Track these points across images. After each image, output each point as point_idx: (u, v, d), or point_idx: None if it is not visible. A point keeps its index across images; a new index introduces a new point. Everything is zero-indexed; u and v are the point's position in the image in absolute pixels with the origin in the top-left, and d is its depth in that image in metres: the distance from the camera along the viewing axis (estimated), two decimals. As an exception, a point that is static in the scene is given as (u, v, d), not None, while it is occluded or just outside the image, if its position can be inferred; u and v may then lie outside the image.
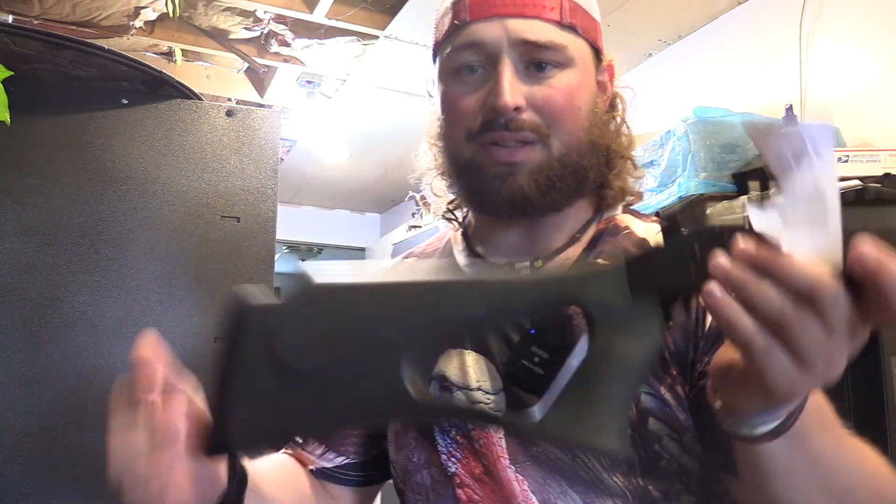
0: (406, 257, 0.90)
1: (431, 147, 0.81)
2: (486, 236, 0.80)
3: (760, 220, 0.42)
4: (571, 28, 0.73)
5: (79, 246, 1.56)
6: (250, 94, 3.39)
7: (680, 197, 1.78)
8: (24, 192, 1.53)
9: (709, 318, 0.66)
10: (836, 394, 1.41)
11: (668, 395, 0.66)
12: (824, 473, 0.54)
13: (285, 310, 0.52)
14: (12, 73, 1.38)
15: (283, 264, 6.92)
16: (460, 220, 0.86)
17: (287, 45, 2.95)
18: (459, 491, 0.69)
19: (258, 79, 3.33)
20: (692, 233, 0.46)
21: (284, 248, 6.28)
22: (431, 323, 0.50)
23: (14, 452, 1.44)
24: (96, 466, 1.59)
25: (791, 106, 1.68)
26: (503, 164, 0.70)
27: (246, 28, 2.85)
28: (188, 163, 1.68)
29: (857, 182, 1.42)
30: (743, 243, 0.42)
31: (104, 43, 1.80)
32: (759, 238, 0.42)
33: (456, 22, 0.73)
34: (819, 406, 0.54)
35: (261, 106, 3.31)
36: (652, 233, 0.76)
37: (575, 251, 0.75)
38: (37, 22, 2.57)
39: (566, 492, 0.65)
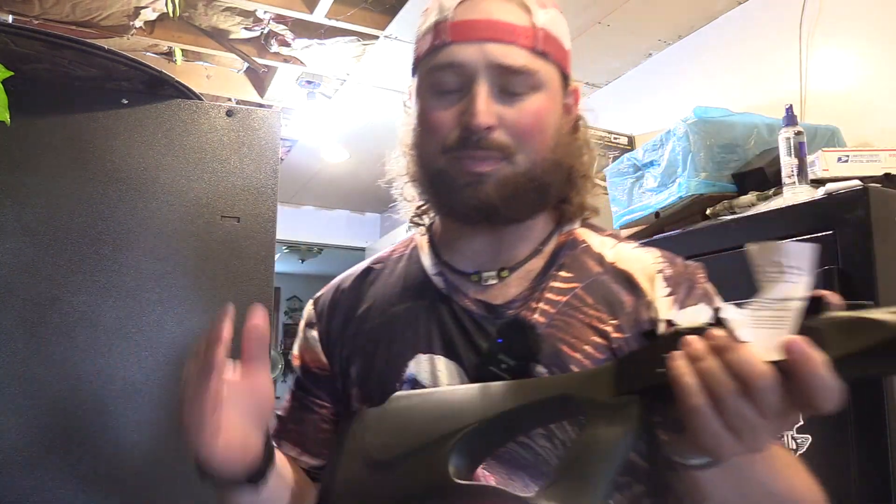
0: (374, 263, 0.94)
1: (404, 154, 0.87)
2: (452, 243, 0.86)
3: (731, 318, 0.51)
4: (543, 55, 0.78)
5: (79, 246, 1.56)
6: (250, 94, 3.39)
7: (680, 197, 1.78)
8: (24, 192, 1.53)
9: (657, 291, 0.78)
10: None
11: None
12: (752, 498, 0.62)
13: (374, 414, 0.70)
14: (12, 73, 1.38)
15: (283, 264, 6.93)
16: (427, 225, 0.91)
17: (287, 45, 2.95)
18: None
19: (258, 79, 3.33)
20: (666, 336, 0.56)
21: (284, 248, 6.28)
22: (470, 423, 0.63)
23: (14, 452, 1.44)
24: (97, 466, 1.59)
25: (791, 106, 1.67)
26: (472, 173, 0.76)
27: (246, 28, 2.85)
28: (188, 163, 1.68)
29: (857, 182, 1.42)
30: (708, 338, 0.52)
31: (104, 43, 1.80)
32: (724, 332, 0.51)
33: (437, 42, 0.78)
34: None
35: (261, 106, 3.31)
36: (607, 247, 0.84)
37: (538, 262, 0.82)
38: (37, 22, 2.57)
39: (529, 485, 0.72)
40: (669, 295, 0.78)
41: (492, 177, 0.76)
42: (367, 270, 0.92)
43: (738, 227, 1.59)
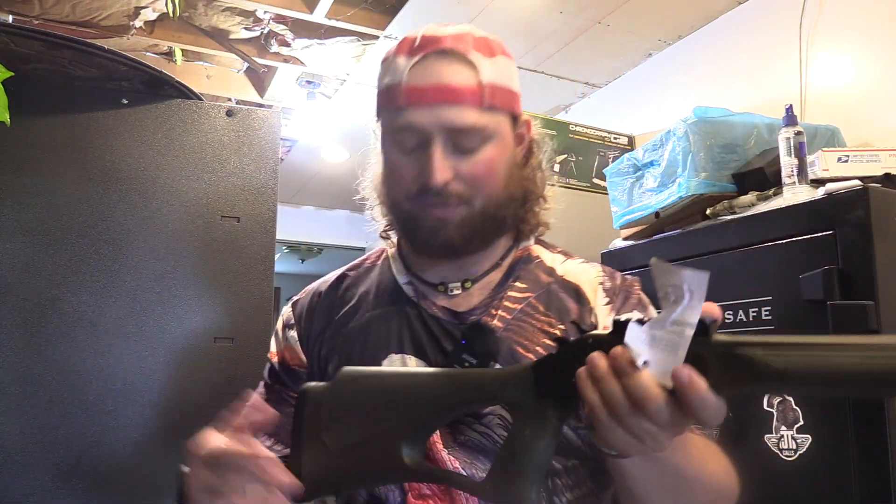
0: (348, 270, 1.02)
1: (375, 184, 0.96)
2: (416, 260, 0.95)
3: (633, 335, 0.58)
4: (491, 108, 0.86)
5: (79, 246, 1.56)
6: (250, 94, 3.39)
7: (680, 197, 1.78)
8: (24, 192, 1.53)
9: (597, 300, 0.89)
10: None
11: None
12: (671, 483, 0.71)
13: (324, 391, 0.77)
14: (12, 73, 1.38)
15: (283, 264, 6.93)
16: (395, 240, 1.00)
17: (287, 45, 2.95)
18: None
19: (258, 79, 3.33)
20: (575, 343, 0.64)
21: (284, 248, 6.28)
22: (417, 410, 0.72)
23: (14, 452, 1.44)
24: (97, 466, 1.59)
25: (791, 106, 1.67)
26: (437, 218, 0.86)
27: (246, 28, 2.85)
28: (188, 163, 1.68)
29: (857, 182, 1.42)
30: (609, 355, 0.59)
31: (104, 43, 1.80)
32: (625, 348, 0.59)
33: (395, 105, 0.86)
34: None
35: (261, 106, 3.31)
36: (558, 262, 0.95)
37: (497, 275, 0.93)
38: (37, 22, 2.57)
39: (487, 468, 0.80)
40: (608, 304, 0.89)
41: (453, 221, 0.86)
42: (342, 277, 1.01)
43: (738, 227, 1.59)
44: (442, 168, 0.83)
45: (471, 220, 0.86)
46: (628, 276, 0.95)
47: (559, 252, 0.98)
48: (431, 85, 0.84)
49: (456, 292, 0.91)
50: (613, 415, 0.59)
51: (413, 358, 0.87)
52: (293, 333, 0.97)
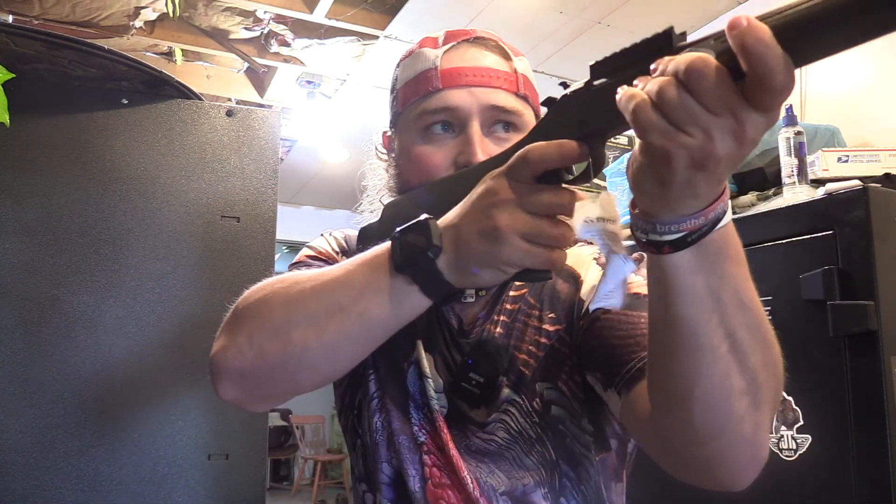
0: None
1: (384, 200, 0.91)
2: None
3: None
4: (524, 98, 0.86)
5: (79, 246, 1.56)
6: (250, 94, 3.39)
7: (680, 197, 1.78)
8: (24, 192, 1.53)
9: (588, 273, 0.85)
10: (836, 394, 1.41)
11: (564, 388, 0.82)
12: (720, 302, 0.56)
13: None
14: (13, 75, 1.38)
15: (283, 264, 6.92)
16: None
17: (287, 45, 2.95)
18: (426, 457, 0.84)
19: (258, 79, 3.33)
20: (560, 100, 0.63)
21: (284, 248, 6.28)
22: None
23: (14, 452, 1.44)
24: (97, 466, 1.59)
25: (791, 106, 1.67)
26: None
27: (246, 28, 2.85)
28: (188, 163, 1.68)
29: (857, 182, 1.42)
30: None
31: (104, 43, 1.80)
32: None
33: (429, 88, 0.84)
34: (729, 239, 0.58)
35: (261, 106, 3.31)
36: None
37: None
38: (37, 22, 2.57)
39: (493, 471, 0.82)
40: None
41: None
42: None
43: (738, 227, 1.59)
44: (483, 148, 0.80)
45: None
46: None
47: None
48: (469, 67, 0.83)
49: (470, 300, 0.88)
50: (656, 96, 0.46)
51: (430, 356, 0.87)
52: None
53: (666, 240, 0.53)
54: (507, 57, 0.86)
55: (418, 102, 0.85)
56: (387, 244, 0.66)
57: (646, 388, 0.65)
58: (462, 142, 0.82)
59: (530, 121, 0.85)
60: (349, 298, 0.66)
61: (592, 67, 0.58)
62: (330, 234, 0.97)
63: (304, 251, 0.95)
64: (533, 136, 0.65)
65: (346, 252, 0.94)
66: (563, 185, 0.61)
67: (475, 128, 0.81)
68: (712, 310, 0.56)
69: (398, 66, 0.91)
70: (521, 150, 0.60)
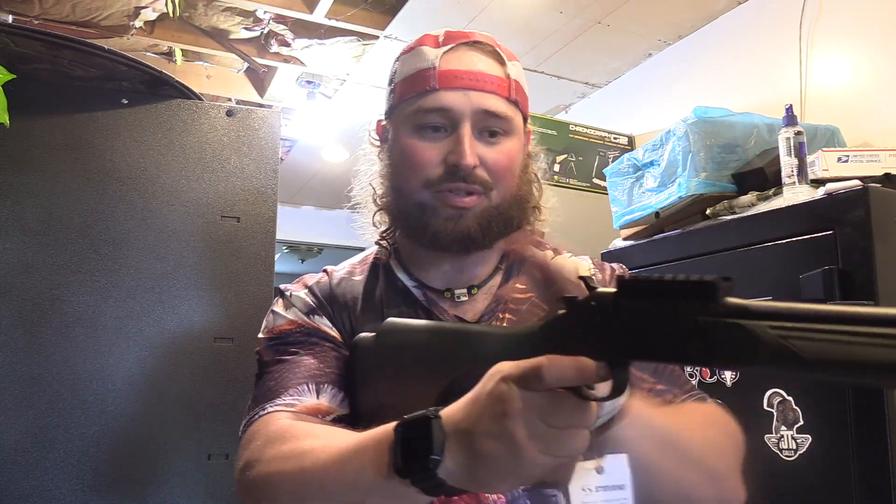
0: (345, 272, 0.96)
1: (375, 185, 0.95)
2: (419, 264, 0.94)
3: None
4: (515, 103, 0.89)
5: (79, 246, 1.56)
6: (250, 94, 3.39)
7: (680, 197, 1.78)
8: (23, 191, 1.53)
9: None
10: (836, 394, 1.41)
11: None
12: (667, 448, 0.73)
13: (370, 340, 0.83)
14: (13, 75, 1.38)
15: (283, 264, 6.92)
16: (389, 248, 0.97)
17: (287, 45, 2.95)
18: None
19: (258, 79, 3.33)
20: (582, 302, 0.61)
21: (284, 248, 6.27)
22: (457, 362, 0.73)
23: (14, 452, 1.44)
24: (97, 466, 1.59)
25: (791, 106, 1.67)
26: (455, 207, 0.86)
27: (246, 28, 2.85)
28: (188, 163, 1.68)
29: (857, 182, 1.42)
30: None
31: (104, 43, 1.80)
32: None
33: (426, 87, 0.87)
34: (635, 414, 0.68)
35: (261, 106, 3.31)
36: (549, 258, 0.97)
37: (498, 279, 0.94)
38: (37, 22, 2.57)
39: None
40: None
41: (471, 211, 0.86)
42: (339, 279, 0.95)
43: (738, 227, 1.59)
44: (471, 150, 0.84)
45: (488, 213, 0.87)
46: (616, 266, 0.98)
47: (549, 249, 1.00)
48: (466, 70, 0.87)
49: (463, 299, 0.91)
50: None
51: None
52: (321, 318, 0.90)
53: (598, 424, 0.63)
54: (501, 62, 0.89)
55: (415, 99, 0.88)
56: (389, 434, 0.63)
57: None
58: (453, 142, 0.85)
59: (519, 125, 0.90)
60: (356, 498, 0.66)
61: (621, 282, 0.56)
62: (291, 295, 0.93)
63: (277, 321, 0.91)
64: (549, 333, 0.63)
65: (320, 305, 0.91)
66: (582, 398, 0.57)
67: (466, 129, 0.85)
68: (657, 450, 0.73)
69: (397, 59, 0.93)
70: (537, 362, 0.56)
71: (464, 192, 0.85)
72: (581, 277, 0.62)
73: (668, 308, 0.52)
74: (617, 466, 0.78)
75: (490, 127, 0.87)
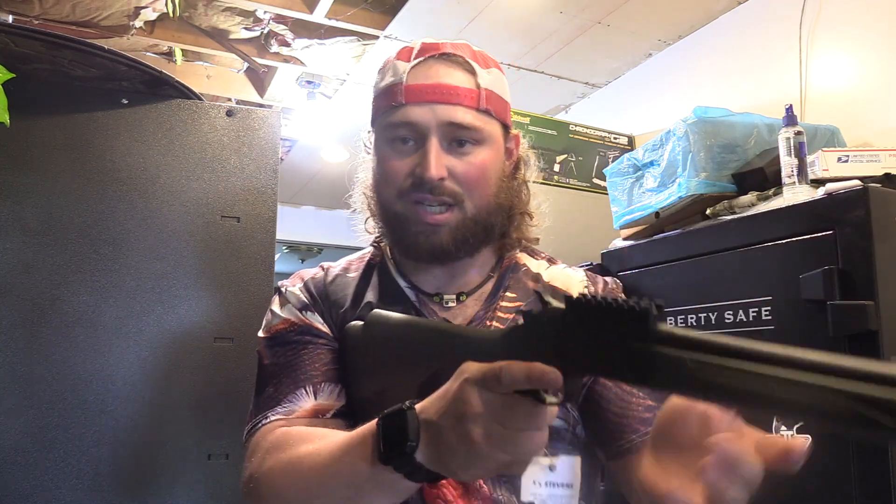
0: (340, 269, 0.99)
1: (366, 193, 0.98)
2: (411, 268, 0.96)
3: None
4: (486, 112, 0.89)
5: (79, 246, 1.56)
6: (250, 94, 3.39)
7: (680, 197, 1.78)
8: (23, 191, 1.53)
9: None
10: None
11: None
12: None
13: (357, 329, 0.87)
14: (13, 75, 1.38)
15: (283, 264, 6.92)
16: (383, 251, 1.00)
17: (287, 45, 2.95)
18: None
19: (258, 79, 3.33)
20: (536, 316, 0.64)
21: (284, 248, 6.28)
22: (434, 357, 0.76)
23: (14, 452, 1.44)
24: (96, 466, 1.59)
25: (791, 106, 1.67)
26: (427, 224, 0.87)
27: (246, 28, 2.85)
28: (188, 163, 1.68)
29: (857, 182, 1.42)
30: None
31: (104, 43, 1.80)
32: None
33: (393, 102, 0.89)
34: None
35: (261, 106, 3.31)
36: (543, 268, 0.99)
37: (488, 286, 0.95)
38: (37, 22, 2.57)
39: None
40: None
41: (445, 226, 0.88)
42: (333, 276, 0.98)
43: (738, 227, 1.59)
44: (438, 162, 0.86)
45: (463, 226, 0.88)
46: (609, 280, 0.99)
47: (543, 258, 1.01)
48: (431, 84, 0.88)
49: (451, 304, 0.93)
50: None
51: None
52: (315, 315, 0.93)
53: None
54: (472, 72, 0.90)
55: (387, 114, 0.90)
56: (373, 427, 0.67)
57: (632, 462, 0.76)
58: (420, 155, 0.87)
59: (493, 133, 0.90)
60: (353, 492, 0.70)
61: (569, 301, 0.60)
62: (286, 291, 0.96)
63: (274, 320, 0.94)
64: (509, 341, 0.68)
65: (313, 302, 0.94)
66: (537, 401, 0.60)
67: (433, 143, 0.86)
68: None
69: (378, 71, 0.96)
70: (496, 366, 0.59)
71: (436, 206, 0.87)
72: (536, 292, 0.66)
73: (606, 329, 0.57)
74: (569, 467, 0.84)
75: (459, 137, 0.87)
